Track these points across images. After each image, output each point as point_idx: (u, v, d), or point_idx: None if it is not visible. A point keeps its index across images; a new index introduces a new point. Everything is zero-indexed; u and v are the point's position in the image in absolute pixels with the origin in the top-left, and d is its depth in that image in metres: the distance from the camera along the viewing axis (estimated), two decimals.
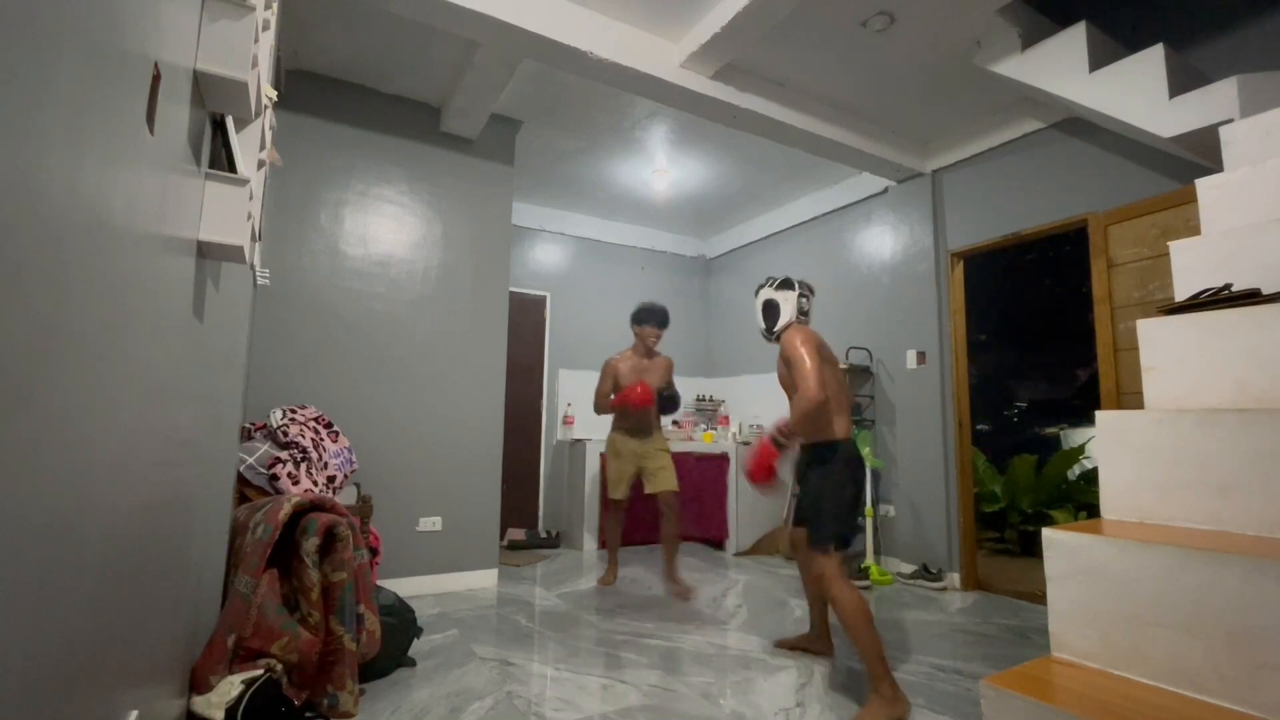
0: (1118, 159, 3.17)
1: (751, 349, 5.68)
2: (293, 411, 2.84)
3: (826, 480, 2.23)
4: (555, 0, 2.78)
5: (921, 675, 2.34)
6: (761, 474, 2.22)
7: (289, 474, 2.49)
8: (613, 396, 3.58)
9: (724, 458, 4.83)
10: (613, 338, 5.72)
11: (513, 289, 4.80)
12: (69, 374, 0.62)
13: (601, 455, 3.80)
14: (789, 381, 2.29)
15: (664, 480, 3.50)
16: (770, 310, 2.40)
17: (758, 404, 5.45)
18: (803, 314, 2.39)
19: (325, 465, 2.71)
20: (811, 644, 2.59)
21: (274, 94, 1.87)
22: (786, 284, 2.42)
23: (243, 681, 1.65)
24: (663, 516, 3.51)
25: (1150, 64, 2.57)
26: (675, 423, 5.68)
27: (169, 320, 1.06)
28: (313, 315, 3.26)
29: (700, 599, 3.41)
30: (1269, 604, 1.14)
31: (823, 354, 2.24)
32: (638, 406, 3.45)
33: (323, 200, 3.36)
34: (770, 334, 2.41)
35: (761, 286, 2.49)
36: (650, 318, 3.61)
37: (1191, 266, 1.82)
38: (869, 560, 3.90)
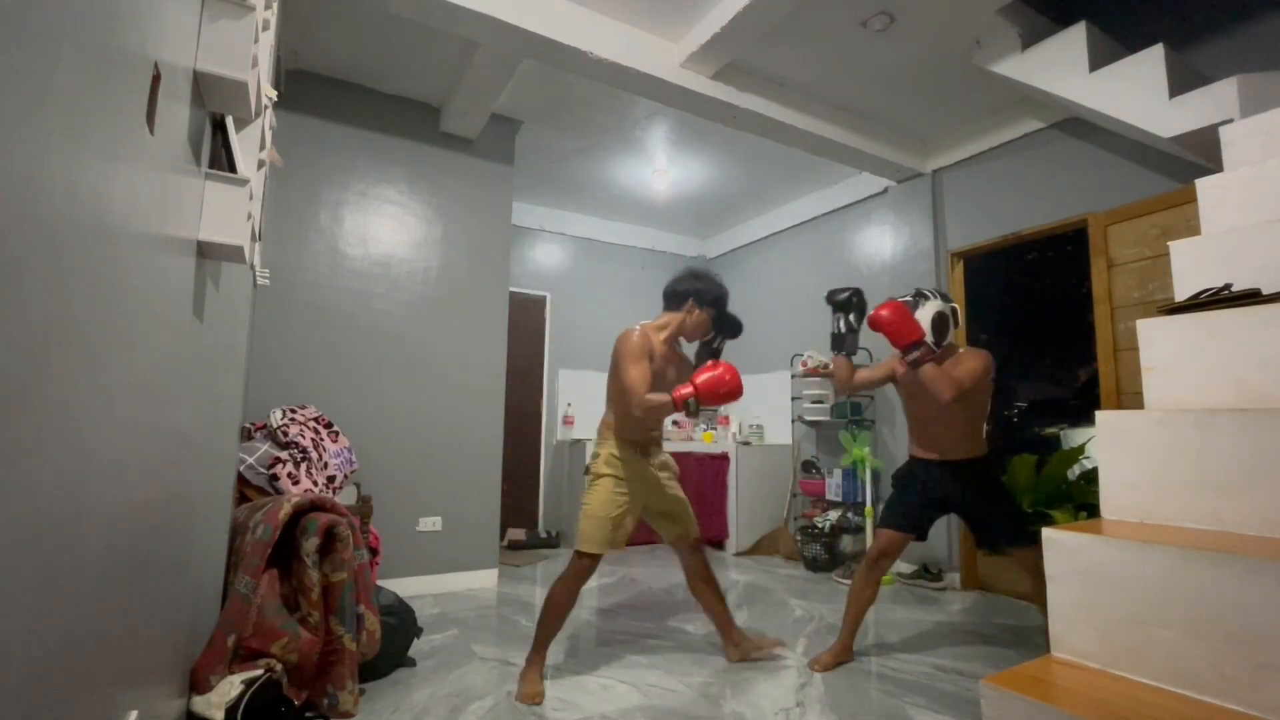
0: (1118, 159, 3.16)
1: (750, 349, 5.67)
2: (293, 411, 2.84)
3: (1002, 489, 2.45)
4: (555, 0, 2.78)
5: (921, 675, 2.34)
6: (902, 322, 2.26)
7: (289, 474, 2.49)
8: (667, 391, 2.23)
9: (724, 457, 4.83)
10: (613, 338, 5.72)
11: (513, 289, 4.80)
12: (68, 374, 0.62)
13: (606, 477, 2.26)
14: (945, 387, 2.31)
15: (691, 518, 2.46)
16: (943, 324, 2.40)
17: (758, 404, 5.45)
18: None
19: (325, 465, 2.71)
20: (846, 657, 2.47)
21: (274, 94, 1.87)
22: (947, 298, 2.45)
23: (243, 681, 1.65)
24: (697, 560, 2.45)
25: (1150, 64, 2.57)
26: (675, 423, 5.67)
27: (169, 320, 1.06)
28: (313, 315, 3.26)
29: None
30: (1269, 604, 1.14)
31: None
32: (727, 399, 2.17)
33: (323, 200, 3.36)
34: (938, 346, 2.38)
35: (923, 296, 2.43)
36: (722, 303, 2.43)
37: (1191, 266, 1.82)
38: None
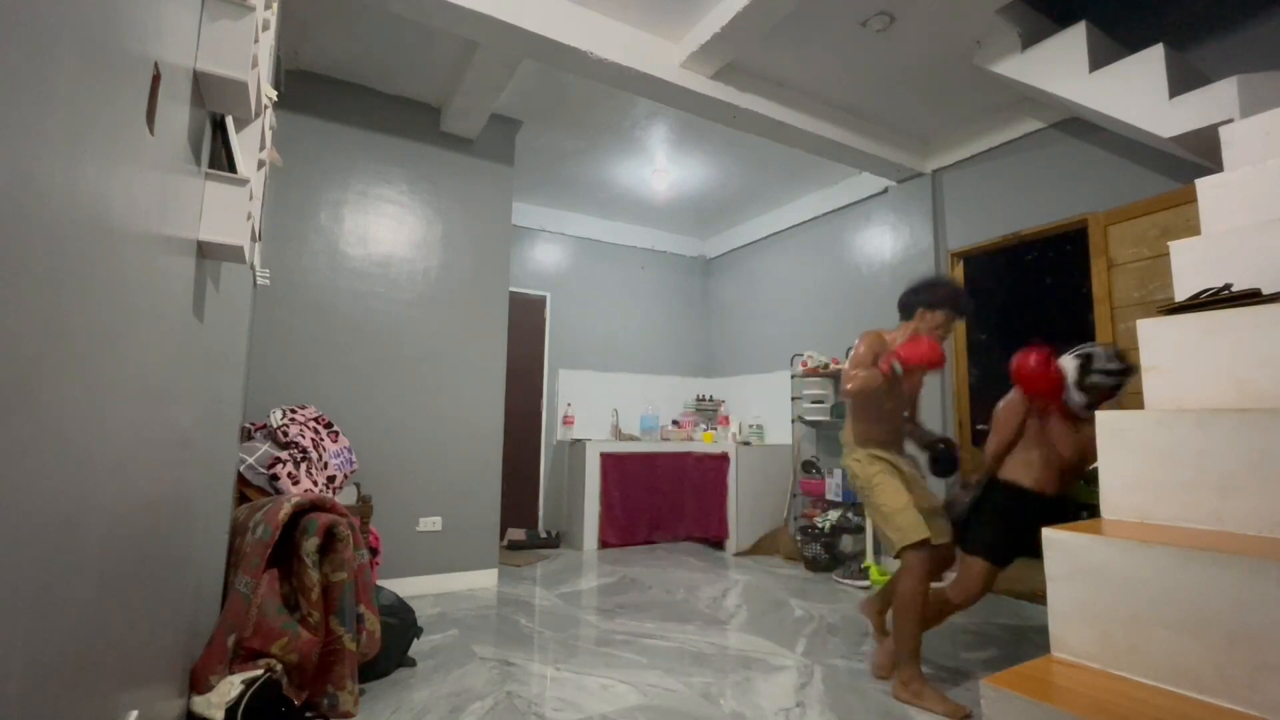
0: (1118, 159, 3.16)
1: (750, 349, 5.68)
2: (293, 411, 2.84)
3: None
4: (555, 0, 2.78)
5: None
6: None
7: (289, 474, 2.49)
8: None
9: (724, 457, 4.83)
10: (613, 338, 5.73)
11: (513, 289, 4.80)
12: (68, 374, 0.62)
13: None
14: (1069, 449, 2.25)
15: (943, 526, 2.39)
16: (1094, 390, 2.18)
17: (757, 404, 5.45)
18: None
19: (325, 465, 2.71)
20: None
21: (274, 94, 1.87)
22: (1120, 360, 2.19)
23: (243, 681, 1.65)
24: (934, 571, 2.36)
25: (1150, 64, 2.57)
26: (675, 422, 5.67)
27: (169, 320, 1.06)
28: (313, 315, 3.26)
29: (700, 599, 3.41)
30: (1269, 604, 1.14)
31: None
32: (925, 365, 2.27)
33: (323, 200, 3.36)
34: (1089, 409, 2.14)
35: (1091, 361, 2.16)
36: (953, 300, 2.45)
37: (1191, 266, 1.82)
38: (868, 560, 3.89)
